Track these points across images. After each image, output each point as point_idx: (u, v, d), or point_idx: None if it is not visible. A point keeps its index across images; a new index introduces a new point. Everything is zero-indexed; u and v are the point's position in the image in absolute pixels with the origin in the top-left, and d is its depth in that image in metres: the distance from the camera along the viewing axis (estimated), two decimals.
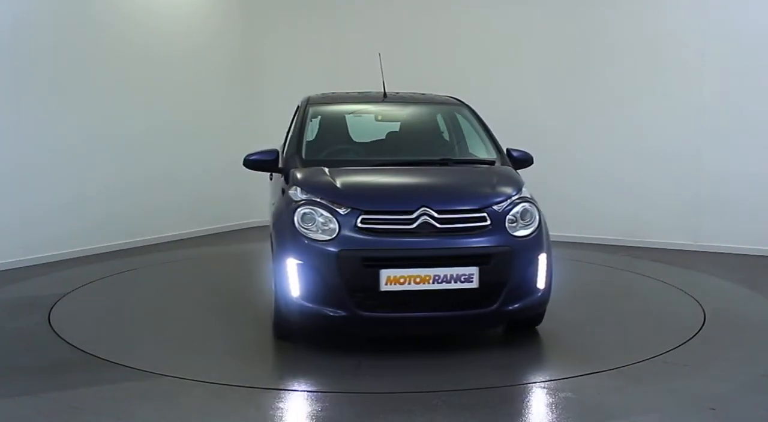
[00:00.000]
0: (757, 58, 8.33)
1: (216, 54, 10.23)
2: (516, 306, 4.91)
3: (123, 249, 8.67)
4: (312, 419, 4.03)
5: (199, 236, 9.76)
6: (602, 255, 8.57)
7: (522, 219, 5.02)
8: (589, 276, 7.63)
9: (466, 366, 4.81)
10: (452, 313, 4.82)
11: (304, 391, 4.44)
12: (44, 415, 4.01)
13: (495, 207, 4.98)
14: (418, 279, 4.69)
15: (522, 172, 5.93)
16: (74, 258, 8.12)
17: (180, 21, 9.64)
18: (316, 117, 6.19)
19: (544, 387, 4.42)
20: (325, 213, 4.84)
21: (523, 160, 5.86)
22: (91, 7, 8.52)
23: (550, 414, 4.04)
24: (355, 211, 4.82)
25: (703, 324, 5.66)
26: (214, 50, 10.20)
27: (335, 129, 6.26)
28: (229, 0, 10.50)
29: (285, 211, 5.06)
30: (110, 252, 8.52)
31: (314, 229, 4.83)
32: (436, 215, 4.83)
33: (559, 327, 5.79)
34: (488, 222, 4.90)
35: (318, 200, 4.95)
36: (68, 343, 5.22)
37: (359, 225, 4.78)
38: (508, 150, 5.86)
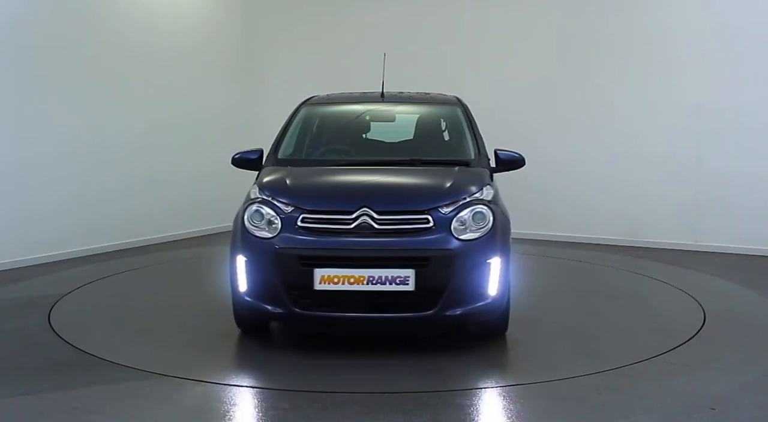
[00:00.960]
0: (757, 57, 8.33)
1: (217, 54, 10.24)
2: (459, 311, 4.76)
3: (123, 249, 8.68)
4: (314, 420, 4.02)
5: (199, 236, 9.77)
6: (602, 255, 8.57)
7: (474, 222, 4.85)
8: (589, 276, 7.63)
9: (466, 366, 4.81)
10: (387, 316, 4.76)
11: (304, 391, 4.42)
12: (44, 415, 4.01)
13: (441, 209, 4.85)
14: (352, 280, 4.67)
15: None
16: (74, 258, 8.12)
17: (180, 20, 9.64)
18: (306, 117, 6.26)
19: (543, 387, 4.41)
20: (271, 212, 4.94)
21: (510, 162, 5.70)
22: (92, 7, 8.52)
23: (550, 414, 4.04)
24: (298, 210, 4.90)
25: (703, 324, 5.66)
26: (215, 50, 10.21)
27: (322, 129, 6.31)
28: (229, 0, 10.51)
29: (241, 208, 5.20)
30: (110, 252, 8.52)
31: (261, 227, 4.93)
32: (375, 216, 4.79)
33: (558, 326, 5.79)
34: (430, 224, 4.79)
35: (268, 199, 5.04)
36: (68, 343, 5.22)
37: (299, 224, 4.85)
38: (495, 151, 5.73)
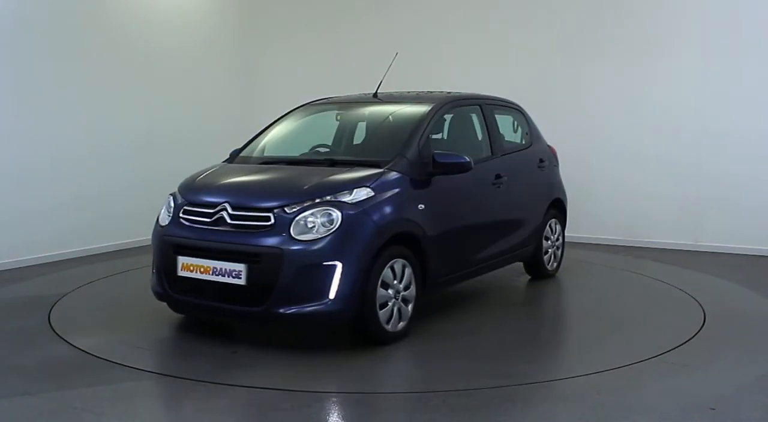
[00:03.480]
0: (759, 57, 8.33)
1: (218, 55, 10.26)
2: (291, 310, 4.82)
3: (123, 249, 8.68)
4: (314, 420, 4.02)
5: None
6: (603, 255, 8.57)
7: (322, 224, 4.86)
8: (589, 276, 7.63)
9: (464, 365, 4.81)
10: (226, 306, 5.02)
11: (304, 391, 4.42)
12: (44, 415, 4.01)
13: (287, 208, 4.93)
14: (202, 269, 5.04)
15: None
16: (74, 258, 8.13)
17: (181, 21, 9.66)
18: (290, 119, 6.62)
19: (544, 387, 4.41)
20: (173, 204, 5.49)
21: (448, 165, 5.52)
22: (92, 6, 8.53)
23: (550, 414, 4.04)
24: (183, 203, 5.40)
25: (703, 324, 5.66)
26: (216, 51, 10.23)
27: (290, 130, 6.53)
28: (229, 4, 10.53)
29: None
30: (110, 252, 8.53)
31: (166, 216, 5.49)
32: (230, 211, 5.06)
33: (558, 326, 5.80)
34: (270, 223, 4.90)
35: (178, 192, 5.58)
36: (68, 343, 5.22)
37: (180, 215, 5.35)
38: (433, 154, 5.51)
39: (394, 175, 5.32)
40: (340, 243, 4.84)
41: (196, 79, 9.88)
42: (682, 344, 5.18)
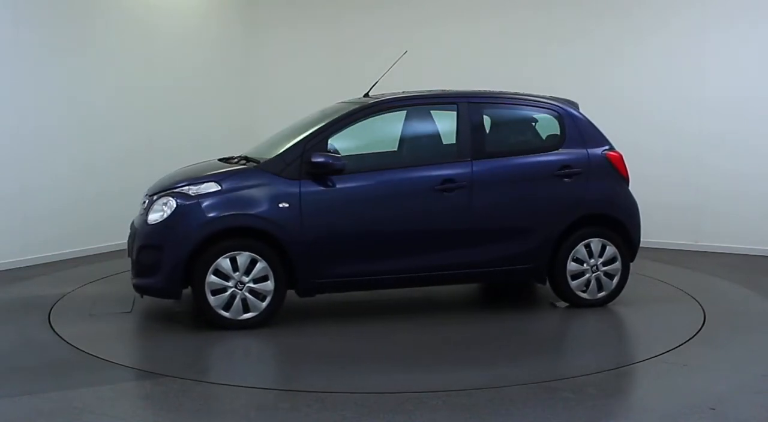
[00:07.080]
0: (759, 55, 8.33)
1: (219, 57, 10.27)
2: (140, 282, 5.62)
3: (123, 250, 8.62)
4: (315, 420, 4.02)
5: None
6: None
7: (165, 211, 5.53)
8: None
9: (465, 366, 4.81)
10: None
11: (304, 391, 4.42)
12: (44, 415, 4.01)
13: (155, 196, 5.71)
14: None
15: None
16: (74, 258, 8.12)
17: (182, 23, 9.66)
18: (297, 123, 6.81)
19: (544, 387, 4.41)
20: None
21: (317, 165, 5.52)
22: (93, 8, 8.54)
23: (550, 414, 4.04)
24: None
25: (703, 324, 5.67)
26: (217, 53, 10.24)
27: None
28: (230, 8, 10.53)
29: None
30: (110, 252, 8.52)
31: None
32: (148, 200, 5.84)
33: (558, 327, 5.79)
34: (146, 207, 5.76)
35: None
36: (68, 343, 5.22)
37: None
38: (311, 155, 5.53)
39: (256, 172, 5.65)
40: (166, 228, 5.48)
41: (197, 81, 9.85)
42: (682, 344, 5.18)
